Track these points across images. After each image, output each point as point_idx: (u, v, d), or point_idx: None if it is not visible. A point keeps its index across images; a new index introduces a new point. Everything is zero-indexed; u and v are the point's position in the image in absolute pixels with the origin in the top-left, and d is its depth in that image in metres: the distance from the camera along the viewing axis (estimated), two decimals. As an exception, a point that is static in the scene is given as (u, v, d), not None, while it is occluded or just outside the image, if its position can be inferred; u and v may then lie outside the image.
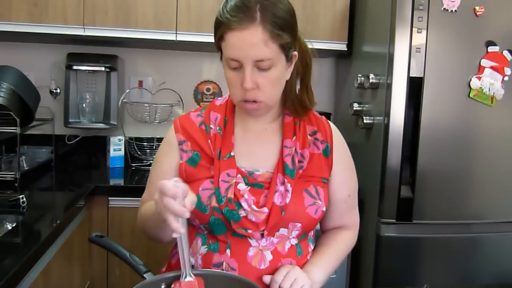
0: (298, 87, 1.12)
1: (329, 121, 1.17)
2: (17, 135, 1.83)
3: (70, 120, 2.34)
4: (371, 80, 1.97)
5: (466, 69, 1.87)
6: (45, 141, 2.35)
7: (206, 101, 2.55)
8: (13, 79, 1.91)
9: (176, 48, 2.44)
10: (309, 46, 1.11)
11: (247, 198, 1.03)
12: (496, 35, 1.88)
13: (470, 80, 1.87)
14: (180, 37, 2.19)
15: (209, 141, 1.08)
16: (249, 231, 1.03)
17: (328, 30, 2.29)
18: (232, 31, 0.93)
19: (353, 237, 1.22)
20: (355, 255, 2.11)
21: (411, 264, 1.94)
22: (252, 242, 1.04)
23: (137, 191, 1.49)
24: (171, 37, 2.19)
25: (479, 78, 1.87)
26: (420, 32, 1.83)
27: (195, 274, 0.93)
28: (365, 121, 2.03)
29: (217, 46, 1.01)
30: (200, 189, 1.05)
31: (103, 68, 2.32)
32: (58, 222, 1.46)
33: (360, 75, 2.07)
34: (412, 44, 1.83)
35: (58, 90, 2.42)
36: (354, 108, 2.13)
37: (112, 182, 2.15)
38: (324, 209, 1.09)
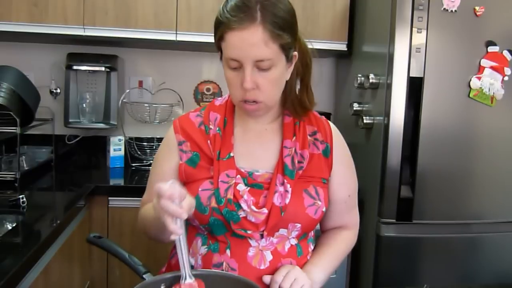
0: (298, 87, 1.12)
1: (329, 121, 1.17)
2: (17, 135, 1.83)
3: (70, 120, 2.34)
4: (371, 80, 1.97)
5: (466, 69, 1.87)
6: (45, 141, 2.35)
7: (206, 101, 2.55)
8: (13, 79, 1.91)
9: (176, 48, 2.44)
10: (309, 46, 1.11)
11: (247, 198, 1.03)
12: (496, 35, 1.88)
13: (470, 80, 1.87)
14: (180, 37, 2.19)
15: (209, 141, 1.08)
16: (249, 232, 1.03)
17: (328, 30, 2.29)
18: (232, 31, 0.93)
19: (353, 237, 1.22)
20: (355, 255, 2.11)
21: (411, 264, 1.94)
22: (252, 242, 1.04)
23: (137, 191, 1.49)
24: (171, 37, 2.18)
25: (479, 78, 1.87)
26: (420, 32, 1.83)
27: (195, 275, 0.93)
28: (365, 121, 2.03)
29: (217, 46, 1.01)
30: (199, 189, 1.05)
31: (103, 68, 2.32)
32: (58, 222, 1.46)
33: (360, 75, 2.07)
34: (412, 44, 1.83)
35: (58, 90, 2.42)
36: (354, 108, 2.13)
37: (112, 182, 2.15)
38: (324, 209, 1.09)
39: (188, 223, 1.10)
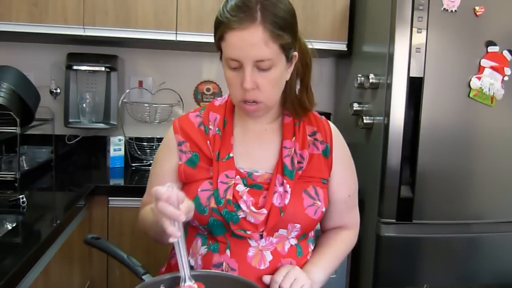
0: (298, 87, 1.12)
1: (329, 121, 1.17)
2: (17, 135, 1.83)
3: (70, 120, 2.34)
4: (371, 80, 1.97)
5: (466, 69, 1.87)
6: (45, 141, 2.35)
7: (206, 101, 2.55)
8: (13, 79, 1.91)
9: (176, 48, 2.44)
10: (309, 46, 1.11)
11: (246, 199, 1.03)
12: (496, 35, 1.88)
13: (470, 80, 1.87)
14: (180, 37, 2.19)
15: (208, 142, 1.08)
16: (248, 232, 1.03)
17: (328, 30, 2.29)
18: (232, 31, 0.93)
19: (353, 237, 1.22)
20: (355, 255, 2.11)
21: (411, 264, 1.94)
22: (252, 242, 1.04)
23: (137, 191, 1.49)
24: (171, 37, 2.18)
25: (479, 78, 1.87)
26: (420, 32, 1.83)
27: (194, 276, 0.92)
28: (365, 121, 2.03)
29: (217, 46, 1.00)
30: (199, 190, 1.05)
31: (103, 68, 2.32)
32: (58, 222, 1.46)
33: (360, 75, 2.07)
34: (412, 44, 1.83)
35: (58, 90, 2.42)
36: (354, 108, 2.13)
37: (112, 182, 2.15)
38: (323, 209, 1.08)
39: (188, 224, 1.10)
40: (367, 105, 2.09)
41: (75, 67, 2.31)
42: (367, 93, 2.08)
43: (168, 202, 0.84)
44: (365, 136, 2.10)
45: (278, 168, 1.06)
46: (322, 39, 2.26)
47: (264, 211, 1.02)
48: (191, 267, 1.04)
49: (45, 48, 2.41)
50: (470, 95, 1.88)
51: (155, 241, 1.09)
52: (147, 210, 1.07)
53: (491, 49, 1.87)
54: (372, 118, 2.01)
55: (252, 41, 0.92)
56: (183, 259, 0.90)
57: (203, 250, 1.07)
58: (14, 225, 1.47)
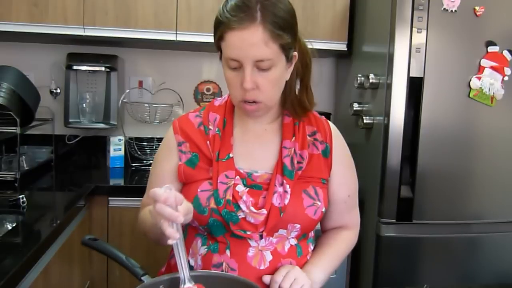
0: (298, 87, 1.12)
1: (329, 121, 1.17)
2: (17, 135, 1.83)
3: (70, 120, 2.34)
4: (371, 80, 1.97)
5: (466, 69, 1.87)
6: (45, 141, 2.35)
7: (206, 101, 2.55)
8: (13, 79, 1.91)
9: (176, 48, 2.44)
10: (309, 46, 1.11)
11: (246, 199, 1.03)
12: (496, 35, 1.88)
13: (470, 80, 1.87)
14: (180, 37, 2.19)
15: (208, 142, 1.08)
16: (248, 233, 1.02)
17: (328, 30, 2.29)
18: (232, 31, 0.93)
19: (353, 237, 1.22)
20: (355, 255, 2.11)
21: (411, 264, 1.94)
22: (252, 242, 1.04)
23: (137, 191, 1.49)
24: (171, 37, 2.18)
25: (479, 78, 1.87)
26: (420, 32, 1.83)
27: (194, 276, 0.92)
28: (365, 121, 2.03)
29: (217, 46, 1.00)
30: (198, 190, 1.05)
31: (103, 68, 2.32)
32: (58, 222, 1.46)
33: (360, 75, 2.07)
34: (412, 44, 1.83)
35: (58, 90, 2.42)
36: (354, 108, 2.13)
37: (112, 182, 2.15)
38: (323, 209, 1.08)
39: (187, 224, 1.10)
40: (367, 105, 2.09)
41: (75, 67, 2.31)
42: (367, 93, 2.08)
43: (166, 203, 0.83)
44: (365, 136, 2.10)
45: (277, 168, 1.06)
46: (322, 39, 2.26)
47: (264, 211, 1.02)
48: (191, 268, 1.04)
49: (45, 48, 2.41)
50: (470, 95, 1.88)
51: (154, 243, 1.08)
52: (146, 212, 1.07)
53: (491, 49, 1.87)
54: (372, 118, 2.01)
55: (252, 41, 0.92)
56: (182, 261, 0.90)
57: (203, 250, 1.06)
58: (14, 225, 1.47)
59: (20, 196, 1.59)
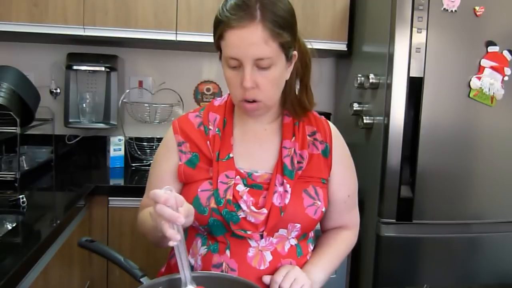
0: (297, 87, 1.12)
1: (328, 121, 1.17)
2: (17, 135, 1.83)
3: (70, 120, 2.34)
4: (371, 80, 1.97)
5: (466, 69, 1.87)
6: (45, 141, 2.35)
7: (206, 101, 2.55)
8: (13, 79, 1.91)
9: (176, 48, 2.44)
10: (308, 46, 1.11)
11: (246, 199, 1.03)
12: (496, 35, 1.88)
13: (470, 80, 1.87)
14: (180, 37, 2.19)
15: (208, 142, 1.08)
16: (248, 232, 1.02)
17: (328, 30, 2.29)
18: (232, 29, 0.93)
19: (353, 237, 1.22)
20: (355, 255, 2.11)
21: (411, 264, 1.94)
22: (252, 242, 1.04)
23: (137, 191, 1.49)
24: (171, 37, 2.18)
25: (479, 78, 1.87)
26: (420, 32, 1.83)
27: (195, 277, 0.91)
28: (365, 121, 2.03)
29: (217, 45, 1.00)
30: (199, 190, 1.05)
31: (103, 68, 2.32)
32: (58, 222, 1.46)
33: (360, 75, 2.07)
34: (412, 44, 1.83)
35: (58, 90, 2.42)
36: (354, 108, 2.13)
37: (112, 182, 2.15)
38: (323, 209, 1.08)
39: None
40: (367, 105, 2.09)
41: (75, 67, 2.31)
42: (367, 93, 2.08)
43: (167, 204, 0.83)
44: (365, 136, 2.10)
45: (278, 168, 1.06)
46: (322, 39, 2.26)
47: (265, 210, 1.02)
48: (191, 268, 1.04)
49: (45, 48, 2.41)
50: (470, 95, 1.88)
51: (154, 245, 1.08)
52: (146, 214, 1.06)
53: (491, 49, 1.87)
54: (372, 118, 2.01)
55: (252, 39, 0.92)
56: (183, 262, 0.89)
57: (203, 250, 1.06)
58: (14, 225, 1.47)
59: (20, 196, 1.59)
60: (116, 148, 2.35)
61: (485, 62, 1.87)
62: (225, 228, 1.03)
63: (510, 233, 1.99)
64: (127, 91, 2.44)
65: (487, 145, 1.93)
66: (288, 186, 1.04)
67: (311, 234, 1.16)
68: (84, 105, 2.37)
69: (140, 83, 2.52)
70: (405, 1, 1.82)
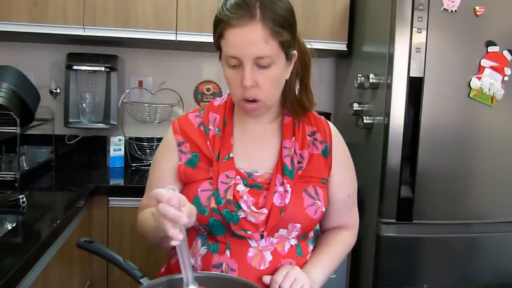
0: (297, 87, 1.12)
1: (328, 121, 1.17)
2: (17, 135, 1.83)
3: (70, 120, 2.34)
4: (371, 80, 1.97)
5: (466, 69, 1.87)
6: (45, 141, 2.35)
7: (206, 101, 2.55)
8: (13, 79, 1.91)
9: (176, 48, 2.44)
10: (308, 46, 1.11)
11: (246, 199, 1.03)
12: (496, 35, 1.88)
13: (470, 80, 1.87)
14: (180, 37, 2.19)
15: (208, 142, 1.08)
16: (249, 232, 1.02)
17: (328, 30, 2.29)
18: (231, 28, 0.93)
19: (352, 237, 1.22)
20: (355, 255, 2.11)
21: (411, 264, 1.94)
22: (252, 242, 1.04)
23: (137, 191, 1.49)
24: (171, 37, 2.18)
25: (479, 78, 1.87)
26: (420, 32, 1.83)
27: (195, 277, 0.91)
28: (365, 121, 2.03)
29: (216, 45, 1.00)
30: (199, 190, 1.05)
31: (103, 68, 2.32)
32: (58, 222, 1.46)
33: (360, 75, 2.07)
34: (412, 44, 1.83)
35: (58, 90, 2.42)
36: (354, 108, 2.13)
37: (112, 182, 2.15)
38: (323, 209, 1.08)
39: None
40: (367, 105, 2.09)
41: (75, 67, 2.31)
42: (367, 93, 2.08)
43: (169, 203, 0.82)
44: (365, 136, 2.10)
45: (278, 168, 1.06)
46: (322, 39, 2.26)
47: (265, 210, 1.02)
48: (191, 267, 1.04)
49: (45, 48, 2.41)
50: (470, 95, 1.88)
51: (154, 246, 1.07)
52: (146, 214, 1.06)
53: (491, 49, 1.87)
54: (372, 118, 2.01)
55: (252, 38, 0.93)
56: (185, 262, 0.89)
57: (203, 250, 1.06)
58: (14, 225, 1.47)
59: (20, 196, 1.59)
60: (116, 148, 2.35)
61: (485, 62, 1.87)
62: (225, 228, 1.03)
63: (510, 233, 1.99)
64: (127, 91, 2.44)
65: (487, 145, 1.93)
66: (288, 186, 1.04)
67: (311, 234, 1.16)
68: (84, 105, 2.37)
69: (140, 83, 2.52)
70: (405, 1, 1.82)
